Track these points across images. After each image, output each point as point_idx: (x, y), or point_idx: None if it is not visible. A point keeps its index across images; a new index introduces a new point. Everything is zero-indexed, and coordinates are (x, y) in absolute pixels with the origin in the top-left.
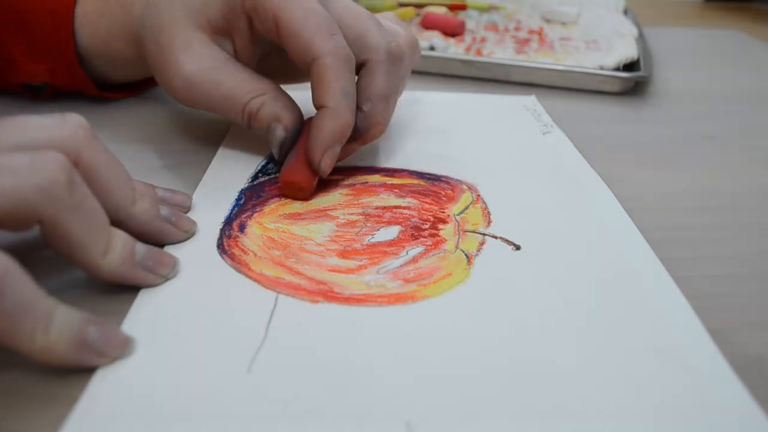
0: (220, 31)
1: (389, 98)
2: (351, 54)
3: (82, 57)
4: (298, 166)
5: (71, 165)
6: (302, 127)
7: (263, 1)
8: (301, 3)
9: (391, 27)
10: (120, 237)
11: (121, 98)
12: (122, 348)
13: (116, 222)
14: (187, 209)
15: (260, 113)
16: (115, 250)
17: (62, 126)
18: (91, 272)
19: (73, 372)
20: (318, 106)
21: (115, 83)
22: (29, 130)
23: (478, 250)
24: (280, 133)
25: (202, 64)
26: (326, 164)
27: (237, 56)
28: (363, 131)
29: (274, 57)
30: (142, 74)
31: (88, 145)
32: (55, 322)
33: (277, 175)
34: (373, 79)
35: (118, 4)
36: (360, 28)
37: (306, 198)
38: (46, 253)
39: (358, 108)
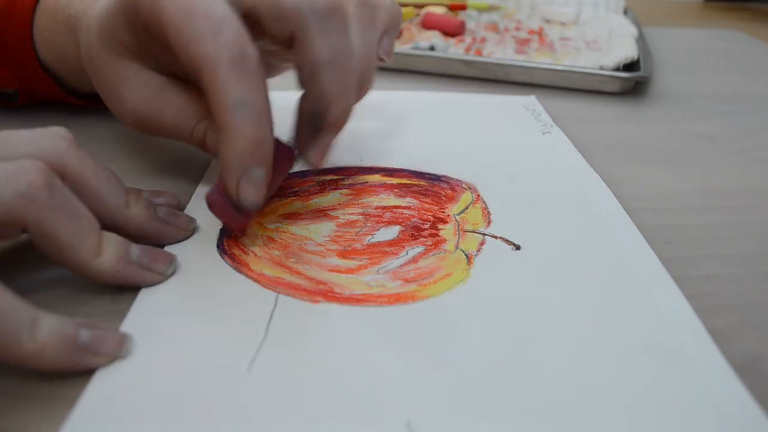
0: (138, 53)
1: (336, 64)
2: (245, 50)
3: (48, 69)
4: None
5: (49, 169)
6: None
7: (151, 12)
8: (184, 2)
9: None
10: (113, 238)
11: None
12: (119, 346)
13: (113, 227)
14: (176, 207)
15: (208, 139)
16: (109, 250)
17: (43, 137)
18: (87, 274)
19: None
20: (217, 128)
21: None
22: (11, 144)
23: (478, 250)
24: None
25: (141, 96)
26: (249, 194)
27: (173, 74)
28: (323, 115)
29: None
30: None
31: (71, 154)
32: (43, 327)
33: None
34: (303, 50)
35: (66, 26)
36: None
37: (242, 233)
38: (46, 260)
39: (305, 88)
